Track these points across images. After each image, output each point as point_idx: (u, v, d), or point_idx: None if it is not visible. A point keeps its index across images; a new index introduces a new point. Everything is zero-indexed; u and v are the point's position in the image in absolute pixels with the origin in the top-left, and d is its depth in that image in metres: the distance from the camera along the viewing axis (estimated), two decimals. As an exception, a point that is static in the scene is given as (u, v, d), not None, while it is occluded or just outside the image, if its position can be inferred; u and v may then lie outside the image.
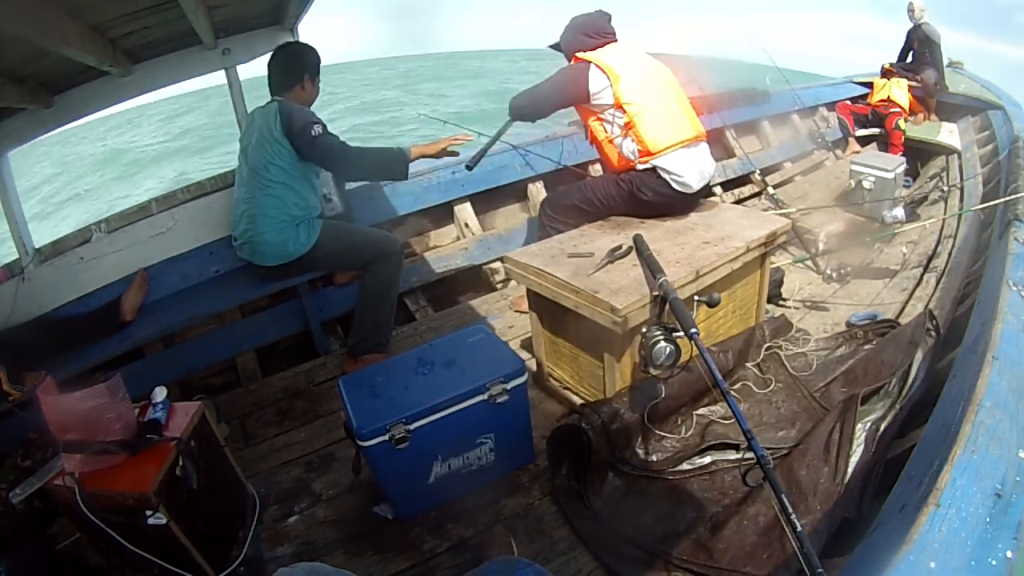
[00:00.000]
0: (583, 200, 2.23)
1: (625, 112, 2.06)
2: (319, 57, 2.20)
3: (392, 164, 2.19)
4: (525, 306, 2.41)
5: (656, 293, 1.60)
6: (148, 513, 1.27)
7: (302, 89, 2.16)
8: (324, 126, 2.07)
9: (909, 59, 4.88)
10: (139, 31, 1.95)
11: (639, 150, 2.08)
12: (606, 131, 2.15)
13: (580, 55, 2.14)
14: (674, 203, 2.13)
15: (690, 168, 2.08)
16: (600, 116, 2.14)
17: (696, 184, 2.10)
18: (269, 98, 2.16)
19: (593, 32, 2.18)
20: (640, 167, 2.10)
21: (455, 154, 2.30)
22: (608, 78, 2.05)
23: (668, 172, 2.06)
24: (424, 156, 2.22)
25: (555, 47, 2.29)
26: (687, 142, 2.09)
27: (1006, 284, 1.61)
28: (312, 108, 2.19)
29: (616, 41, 2.20)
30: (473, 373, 1.60)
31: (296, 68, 2.14)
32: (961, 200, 3.21)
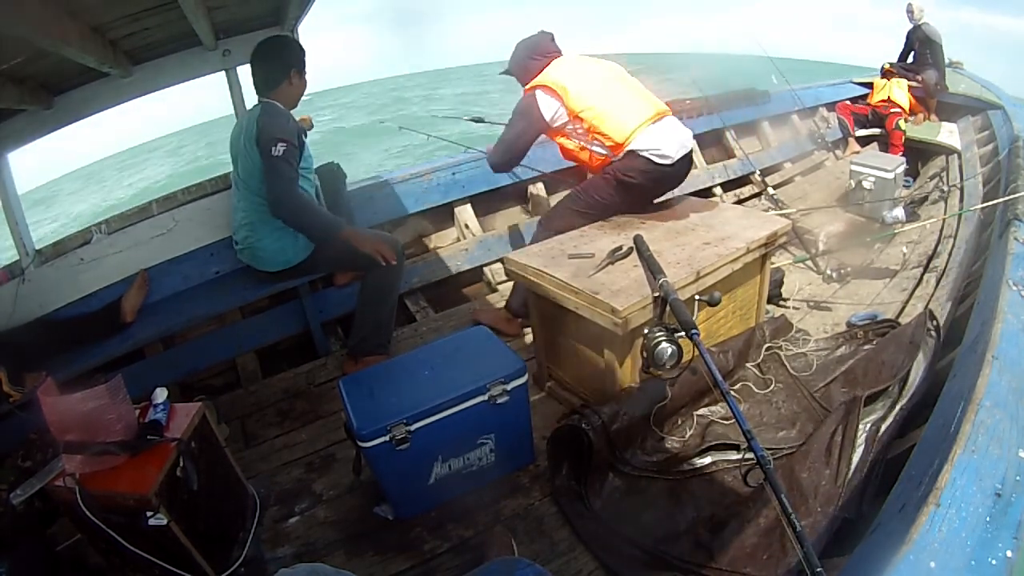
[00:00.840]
0: (579, 206, 2.24)
1: (583, 120, 2.11)
2: (303, 49, 2.12)
3: (318, 228, 2.08)
4: (495, 319, 2.38)
5: (657, 294, 1.60)
6: (148, 514, 1.28)
7: (290, 85, 2.07)
8: (291, 146, 1.96)
9: (909, 59, 4.88)
10: (139, 32, 1.94)
11: (609, 146, 2.13)
12: (575, 142, 2.20)
13: (528, 86, 2.21)
14: (662, 177, 2.16)
15: (664, 139, 2.11)
16: (563, 132, 2.21)
17: (675, 152, 2.13)
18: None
19: (537, 54, 2.25)
20: (617, 158, 2.14)
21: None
22: (557, 95, 2.11)
23: (645, 150, 2.09)
24: (353, 241, 2.11)
25: (507, 73, 2.37)
26: (650, 120, 2.13)
27: (1006, 284, 1.62)
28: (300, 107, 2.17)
29: (560, 55, 2.26)
30: (473, 374, 1.60)
31: (283, 63, 2.05)
32: (961, 200, 3.21)
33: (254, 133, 1.98)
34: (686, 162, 2.22)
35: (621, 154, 2.12)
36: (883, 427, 1.59)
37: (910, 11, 4.72)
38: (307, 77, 2.15)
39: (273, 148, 1.93)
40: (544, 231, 2.27)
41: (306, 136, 2.49)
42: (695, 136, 3.89)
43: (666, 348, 1.47)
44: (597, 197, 2.21)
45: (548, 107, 2.14)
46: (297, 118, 2.43)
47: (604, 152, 2.15)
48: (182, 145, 20.20)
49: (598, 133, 2.11)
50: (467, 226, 3.10)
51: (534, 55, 2.25)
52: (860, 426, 1.56)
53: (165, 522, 1.29)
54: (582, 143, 2.18)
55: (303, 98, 2.19)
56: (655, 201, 2.32)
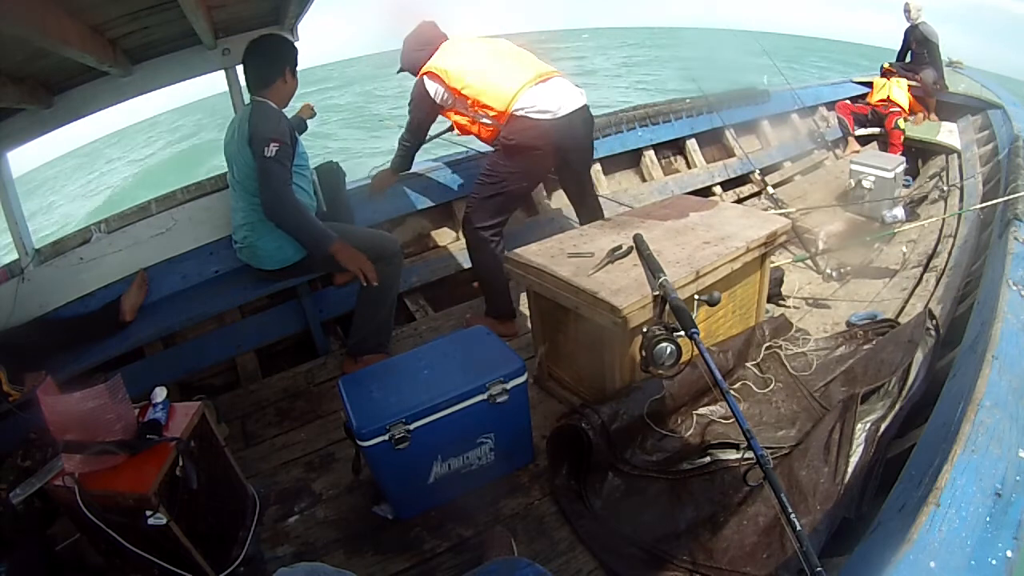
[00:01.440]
0: (487, 191, 2.30)
1: (467, 96, 2.22)
2: (296, 48, 2.12)
3: (309, 237, 2.04)
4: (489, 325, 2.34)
5: (656, 293, 1.60)
6: (148, 513, 1.28)
7: (284, 83, 2.07)
8: (283, 146, 1.93)
9: (908, 59, 4.88)
10: (139, 31, 1.94)
11: (494, 116, 2.21)
12: (464, 116, 2.30)
13: (421, 71, 2.30)
14: (549, 132, 2.18)
15: (543, 97, 2.18)
16: (454, 110, 2.32)
17: (556, 108, 2.17)
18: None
19: (421, 45, 2.34)
20: (506, 125, 2.21)
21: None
22: (438, 78, 2.24)
23: (522, 109, 2.16)
24: (340, 257, 2.06)
25: (402, 71, 2.45)
26: (531, 83, 2.18)
27: (1006, 283, 1.61)
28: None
29: (446, 39, 2.36)
30: (473, 373, 1.60)
31: (277, 61, 2.05)
32: (961, 200, 3.21)
33: (246, 133, 1.97)
34: (579, 119, 2.26)
35: (505, 121, 2.19)
36: (883, 427, 1.59)
37: (907, 10, 4.72)
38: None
39: (265, 149, 1.91)
40: (470, 229, 2.35)
41: (306, 127, 2.50)
42: (695, 135, 3.95)
43: (665, 347, 1.47)
44: (494, 172, 2.28)
45: (434, 91, 2.28)
46: (299, 106, 2.48)
47: (491, 123, 2.24)
48: (176, 123, 20.12)
49: (481, 105, 2.22)
50: (467, 225, 3.09)
51: (418, 47, 2.34)
52: (860, 426, 1.56)
53: (165, 521, 1.29)
54: (470, 116, 2.28)
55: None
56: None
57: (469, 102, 2.23)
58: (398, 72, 2.49)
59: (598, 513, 1.57)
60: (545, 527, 1.59)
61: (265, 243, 2.13)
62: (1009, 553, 0.89)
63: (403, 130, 2.52)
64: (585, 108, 2.29)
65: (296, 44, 2.16)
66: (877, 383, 1.72)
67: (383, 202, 2.84)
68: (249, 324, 2.51)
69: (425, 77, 2.28)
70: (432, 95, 2.29)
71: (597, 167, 3.54)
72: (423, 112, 2.37)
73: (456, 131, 2.51)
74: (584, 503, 1.60)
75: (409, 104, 2.41)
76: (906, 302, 2.37)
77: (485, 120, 2.25)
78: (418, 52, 2.34)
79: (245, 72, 2.07)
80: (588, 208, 2.60)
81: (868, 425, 1.58)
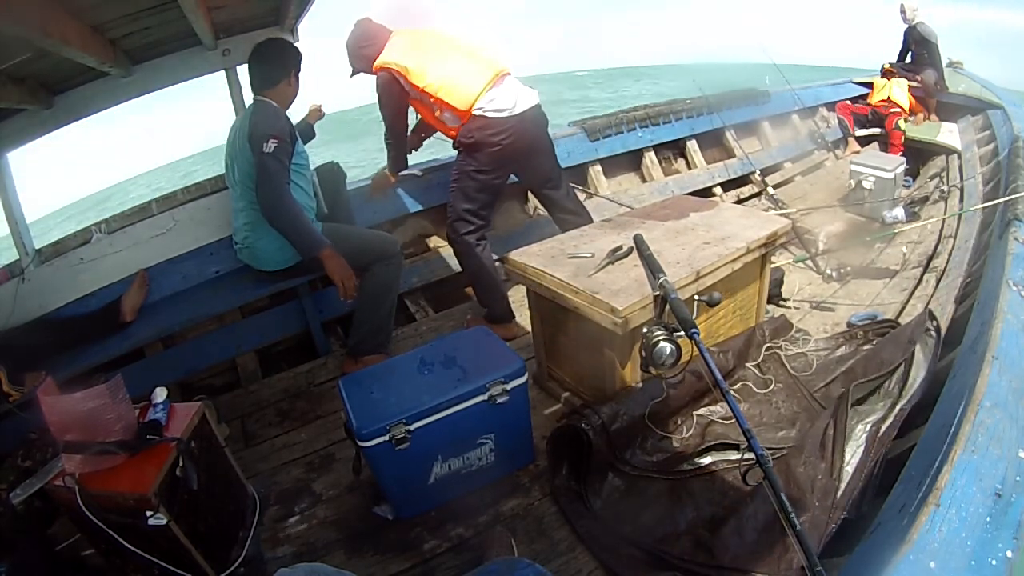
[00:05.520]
0: (460, 193, 2.33)
1: (429, 94, 2.24)
2: (301, 54, 2.15)
3: (301, 241, 2.05)
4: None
5: (657, 293, 1.60)
6: (148, 514, 1.27)
7: (288, 85, 2.09)
8: (282, 143, 1.95)
9: (908, 59, 4.88)
10: (139, 32, 1.95)
11: (456, 114, 2.25)
12: (428, 110, 2.34)
13: (376, 66, 2.28)
14: (507, 130, 2.23)
15: (500, 96, 2.22)
16: (419, 102, 2.34)
17: (512, 105, 2.23)
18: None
19: (367, 42, 2.32)
20: (465, 125, 2.25)
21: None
22: (401, 75, 2.25)
23: (481, 109, 2.21)
24: (327, 264, 2.07)
25: (355, 74, 2.42)
26: (490, 84, 2.22)
27: (1006, 284, 1.61)
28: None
29: (390, 33, 2.34)
30: (473, 373, 1.60)
31: (285, 63, 2.08)
32: (961, 200, 3.21)
33: (247, 131, 1.98)
34: (532, 116, 2.30)
35: (466, 120, 2.23)
36: (883, 427, 1.59)
37: (903, 11, 4.71)
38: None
39: (264, 145, 1.92)
40: (454, 238, 2.38)
41: (314, 134, 2.50)
42: (696, 136, 3.95)
43: (665, 347, 1.47)
44: (462, 173, 2.32)
45: (401, 81, 2.27)
46: (308, 108, 2.51)
47: (452, 119, 2.27)
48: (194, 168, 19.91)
49: (445, 104, 2.24)
50: (467, 226, 3.09)
51: (364, 44, 2.32)
52: (860, 426, 1.56)
53: (165, 522, 1.29)
54: (435, 111, 2.31)
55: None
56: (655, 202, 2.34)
57: (432, 99, 2.24)
58: (352, 76, 2.46)
59: (598, 513, 1.57)
60: (545, 527, 1.59)
61: (265, 244, 2.13)
62: (1009, 553, 0.90)
63: (384, 130, 2.50)
64: (538, 107, 2.33)
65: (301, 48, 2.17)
66: (871, 379, 1.71)
67: (383, 203, 2.84)
68: (249, 324, 2.51)
69: (386, 72, 2.27)
70: (402, 85, 2.27)
71: (597, 167, 3.54)
72: (394, 104, 2.35)
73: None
74: (584, 503, 1.60)
75: (378, 104, 2.39)
76: (906, 303, 2.37)
77: (447, 118, 2.28)
78: (365, 49, 2.32)
79: (250, 71, 2.08)
80: (565, 215, 2.53)
81: (868, 426, 1.58)
